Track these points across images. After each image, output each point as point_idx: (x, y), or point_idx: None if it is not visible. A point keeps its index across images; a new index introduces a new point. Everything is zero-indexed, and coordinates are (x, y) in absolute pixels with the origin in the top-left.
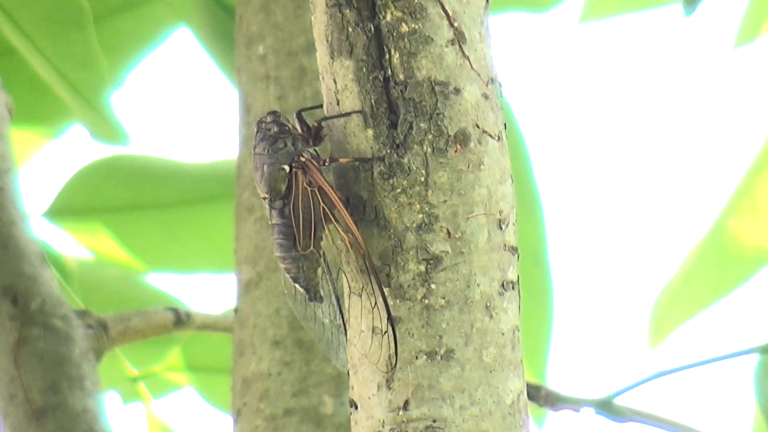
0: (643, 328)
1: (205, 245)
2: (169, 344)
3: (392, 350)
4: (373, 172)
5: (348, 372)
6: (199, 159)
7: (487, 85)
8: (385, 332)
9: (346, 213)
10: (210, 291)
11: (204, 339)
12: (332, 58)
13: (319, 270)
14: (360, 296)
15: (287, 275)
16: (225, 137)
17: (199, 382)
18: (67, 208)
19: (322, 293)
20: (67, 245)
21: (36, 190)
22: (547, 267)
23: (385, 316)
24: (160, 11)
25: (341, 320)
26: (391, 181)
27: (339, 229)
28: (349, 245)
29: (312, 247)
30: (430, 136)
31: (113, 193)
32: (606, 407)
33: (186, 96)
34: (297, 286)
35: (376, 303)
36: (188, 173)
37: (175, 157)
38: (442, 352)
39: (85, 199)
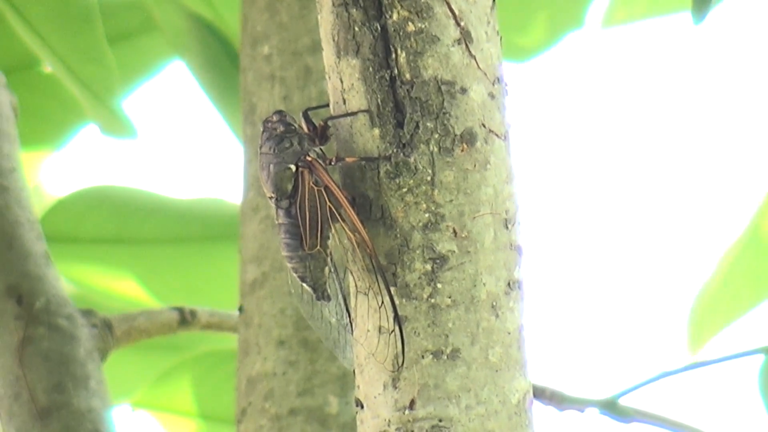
0: (681, 333)
1: (187, 283)
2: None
3: (399, 349)
4: (379, 172)
5: (354, 371)
6: (186, 196)
7: (493, 85)
8: (392, 331)
9: (352, 212)
10: None
11: (178, 381)
12: (339, 57)
13: (327, 269)
14: (366, 295)
15: (295, 275)
16: (224, 166)
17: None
18: (48, 236)
19: (329, 292)
20: None
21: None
22: None
23: (391, 315)
24: (156, 43)
25: (348, 319)
26: (397, 181)
27: (345, 228)
28: (355, 244)
29: (318, 247)
30: (436, 136)
31: (97, 224)
32: (611, 407)
33: (182, 128)
34: (304, 285)
35: (382, 302)
36: (174, 210)
37: (162, 192)
38: (448, 351)
39: (68, 228)
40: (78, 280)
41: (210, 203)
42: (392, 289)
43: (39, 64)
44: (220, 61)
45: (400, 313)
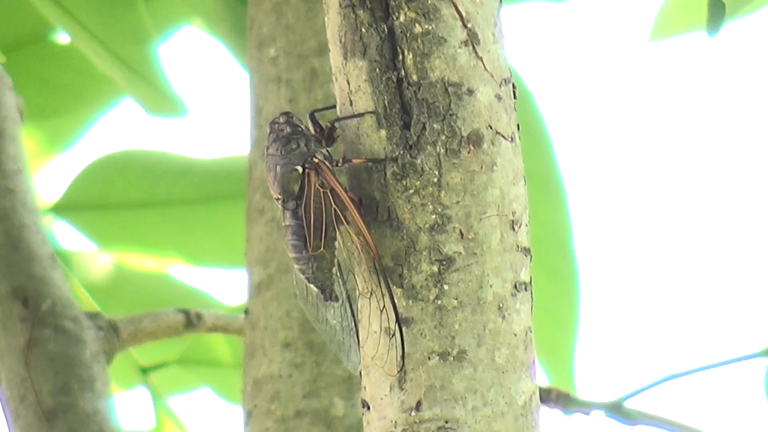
0: None
1: (218, 242)
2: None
3: (399, 353)
4: (386, 173)
5: (360, 373)
6: (210, 155)
7: (500, 86)
8: (393, 335)
9: (357, 215)
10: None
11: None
12: (345, 58)
13: (334, 270)
14: (369, 298)
15: (302, 276)
16: (235, 130)
17: (213, 378)
18: (76, 204)
19: (336, 293)
20: (75, 240)
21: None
22: (572, 252)
23: (393, 319)
24: (174, 5)
25: (353, 322)
26: (404, 182)
27: (350, 231)
28: (360, 247)
29: (322, 248)
30: (443, 137)
31: (124, 189)
32: (616, 410)
33: (196, 89)
34: (312, 286)
35: (384, 306)
36: (201, 170)
37: (187, 154)
38: (454, 352)
39: (96, 195)
40: (111, 247)
41: (234, 161)
42: (399, 290)
43: (51, 36)
44: (241, 18)
45: (406, 314)
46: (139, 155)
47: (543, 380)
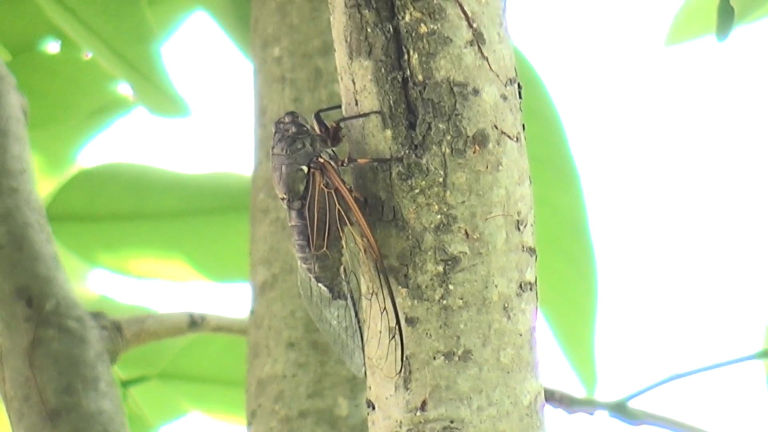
0: None
1: (204, 256)
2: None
3: (398, 355)
4: (391, 173)
5: (365, 373)
6: (198, 170)
7: (505, 86)
8: (392, 337)
9: (361, 216)
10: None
11: (204, 346)
12: (351, 58)
13: (340, 269)
14: (372, 300)
15: (309, 275)
16: (241, 126)
17: (197, 393)
18: (58, 215)
19: (344, 291)
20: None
21: None
22: (588, 235)
23: (393, 321)
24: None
25: (356, 323)
26: (409, 182)
27: (354, 232)
28: (363, 249)
29: (325, 248)
30: (448, 137)
31: (108, 202)
32: (620, 410)
33: (203, 84)
34: (316, 286)
35: (385, 307)
36: (187, 185)
37: (174, 168)
38: (459, 352)
39: (77, 208)
40: (92, 260)
41: (222, 177)
42: (404, 290)
43: (43, 45)
44: (246, 8)
45: (411, 314)
46: (123, 168)
47: (563, 364)
